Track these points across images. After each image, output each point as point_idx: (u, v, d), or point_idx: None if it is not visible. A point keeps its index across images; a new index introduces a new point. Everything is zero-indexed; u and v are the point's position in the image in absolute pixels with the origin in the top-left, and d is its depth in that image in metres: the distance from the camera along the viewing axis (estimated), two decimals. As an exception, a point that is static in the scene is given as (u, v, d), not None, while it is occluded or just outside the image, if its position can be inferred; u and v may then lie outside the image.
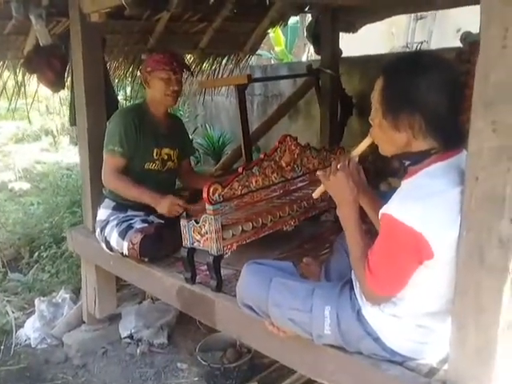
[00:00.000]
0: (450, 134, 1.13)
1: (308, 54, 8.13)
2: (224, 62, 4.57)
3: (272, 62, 8.00)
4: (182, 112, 5.90)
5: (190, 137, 5.88)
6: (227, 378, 2.29)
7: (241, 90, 3.35)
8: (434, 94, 1.11)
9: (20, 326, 3.06)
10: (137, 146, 2.21)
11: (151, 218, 2.23)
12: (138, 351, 2.69)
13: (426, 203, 1.08)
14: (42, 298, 3.07)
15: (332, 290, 1.36)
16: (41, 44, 2.87)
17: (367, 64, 4.17)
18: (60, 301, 3.13)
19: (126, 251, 2.08)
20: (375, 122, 1.21)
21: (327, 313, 1.30)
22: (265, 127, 3.97)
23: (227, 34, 4.32)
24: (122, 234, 2.10)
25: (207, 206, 1.73)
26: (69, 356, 2.75)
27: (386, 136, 1.19)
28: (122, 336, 2.80)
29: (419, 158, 1.17)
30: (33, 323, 2.97)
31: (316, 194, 1.42)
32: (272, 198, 2.05)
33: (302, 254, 2.17)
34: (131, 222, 2.16)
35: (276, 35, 8.01)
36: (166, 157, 2.33)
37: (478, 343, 1.12)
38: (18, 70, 3.40)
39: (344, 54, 4.18)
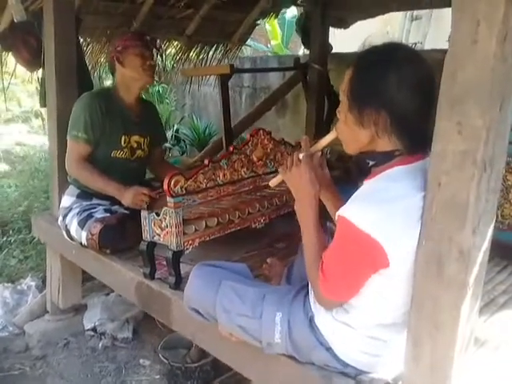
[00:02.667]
0: (417, 136, 1.04)
1: (304, 48, 8.03)
2: (212, 51, 4.47)
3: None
4: (168, 100, 5.79)
5: (176, 126, 5.83)
6: (188, 378, 2.21)
7: (224, 81, 3.26)
8: (403, 92, 1.02)
9: (-17, 311, 2.96)
10: (103, 132, 2.10)
11: (116, 207, 2.13)
12: (101, 345, 2.60)
13: (383, 208, 1.00)
14: (5, 285, 2.97)
15: (285, 295, 1.28)
16: (15, 20, 2.74)
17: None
18: (25, 288, 3.03)
19: (84, 241, 1.99)
20: (341, 115, 1.12)
21: (278, 319, 1.22)
22: (249, 120, 3.87)
23: (215, 23, 4.21)
24: (82, 224, 2.00)
25: (168, 199, 1.65)
26: (29, 346, 2.66)
27: (350, 131, 1.10)
28: (86, 328, 2.70)
29: (383, 159, 1.09)
30: (-5, 310, 2.87)
31: (273, 183, 1.33)
32: (241, 193, 1.96)
33: (272, 253, 2.09)
34: (93, 211, 2.06)
35: (272, 29, 7.89)
36: (135, 145, 2.22)
37: (433, 361, 1.05)
38: (-6, 47, 3.28)
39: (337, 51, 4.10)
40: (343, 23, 4.25)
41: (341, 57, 4.30)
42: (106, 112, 2.09)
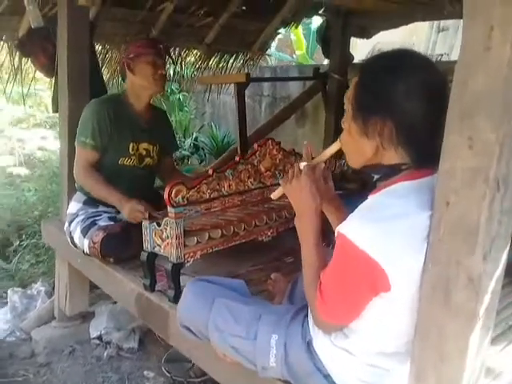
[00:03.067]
0: (425, 150, 0.96)
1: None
2: (232, 60, 4.45)
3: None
4: (187, 108, 5.78)
5: (195, 134, 5.81)
6: (190, 393, 2.15)
7: (240, 89, 3.22)
8: (411, 101, 0.95)
9: (-6, 315, 2.96)
10: (111, 139, 2.07)
11: (121, 215, 2.09)
12: (106, 354, 2.56)
13: (386, 226, 0.92)
14: (15, 289, 2.97)
15: (283, 315, 1.20)
16: (32, 26, 2.77)
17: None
18: (35, 293, 3.02)
19: (86, 249, 1.95)
20: (345, 125, 1.05)
21: (273, 342, 1.15)
22: (267, 128, 3.82)
23: (235, 32, 4.19)
24: (85, 231, 1.96)
25: (169, 209, 1.59)
26: (35, 352, 2.63)
27: (354, 143, 1.03)
28: (91, 336, 2.67)
29: (389, 173, 1.01)
30: (4, 314, 2.87)
31: (275, 195, 1.27)
32: (247, 204, 1.89)
33: (279, 267, 2.02)
34: (97, 218, 2.02)
35: (297, 39, 7.85)
36: (144, 152, 2.19)
37: (438, 396, 0.96)
38: (14, 53, 3.32)
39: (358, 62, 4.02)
40: (365, 33, 4.17)
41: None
42: (115, 118, 2.07)
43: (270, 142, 1.87)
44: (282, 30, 4.51)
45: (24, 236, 3.68)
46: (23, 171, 5.31)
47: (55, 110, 2.64)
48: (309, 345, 1.13)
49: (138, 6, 3.44)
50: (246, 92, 5.47)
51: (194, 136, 5.45)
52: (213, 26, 4.01)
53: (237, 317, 1.22)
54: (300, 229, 1.13)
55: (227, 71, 4.34)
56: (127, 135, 2.11)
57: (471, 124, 0.86)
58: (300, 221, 1.13)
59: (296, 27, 4.82)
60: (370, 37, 4.37)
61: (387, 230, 0.92)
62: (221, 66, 4.41)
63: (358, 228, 0.93)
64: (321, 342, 1.11)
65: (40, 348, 2.63)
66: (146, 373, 2.45)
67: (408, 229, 0.93)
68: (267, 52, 5.09)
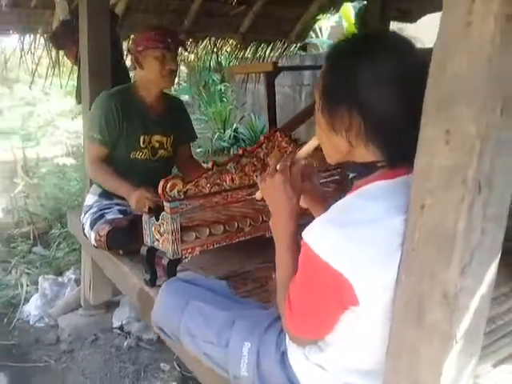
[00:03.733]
0: (399, 145, 0.84)
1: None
2: (269, 49, 4.35)
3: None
4: (225, 99, 5.74)
5: (235, 125, 5.76)
6: (199, 389, 2.10)
7: (269, 78, 3.12)
8: (380, 89, 0.82)
9: (28, 300, 3.07)
10: (120, 133, 2.04)
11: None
12: (125, 344, 2.58)
13: (353, 233, 0.81)
14: (46, 276, 3.06)
15: (260, 322, 1.11)
16: (60, 18, 2.81)
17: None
18: (66, 281, 3.09)
19: (93, 242, 1.95)
20: (316, 119, 0.94)
21: (246, 350, 1.06)
22: (300, 118, 3.69)
23: (270, 20, 4.09)
24: (92, 224, 1.96)
25: (164, 203, 1.54)
26: (60, 339, 2.70)
27: (326, 138, 0.92)
28: (114, 326, 2.70)
29: (363, 171, 0.89)
30: (36, 300, 2.96)
31: (258, 195, 1.17)
32: (253, 199, 1.80)
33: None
34: (106, 211, 2.01)
35: (349, 25, 7.59)
36: (157, 144, 2.15)
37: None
38: (49, 46, 3.41)
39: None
40: (408, 17, 3.94)
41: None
42: (124, 112, 2.03)
43: (278, 133, 1.77)
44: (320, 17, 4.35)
45: (61, 224, 3.79)
46: (70, 161, 5.50)
47: (79, 102, 2.66)
48: (283, 355, 1.04)
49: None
50: (287, 82, 5.38)
51: (233, 127, 5.41)
52: (247, 15, 3.92)
53: (209, 321, 1.14)
54: (274, 229, 1.05)
55: (265, 60, 4.25)
56: (138, 128, 2.07)
57: (449, 114, 0.73)
58: (274, 221, 1.05)
59: (336, 13, 4.64)
60: (415, 21, 4.13)
61: (354, 236, 0.81)
62: (258, 55, 4.33)
63: (321, 235, 0.82)
64: (295, 354, 1.01)
65: (65, 335, 2.70)
66: (162, 365, 2.44)
67: (379, 235, 0.81)
68: (312, 39, 4.91)
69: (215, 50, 4.14)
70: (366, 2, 3.84)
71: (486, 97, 0.69)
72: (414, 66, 0.81)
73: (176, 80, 2.16)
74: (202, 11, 3.65)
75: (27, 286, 3.27)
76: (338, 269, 0.80)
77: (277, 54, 4.39)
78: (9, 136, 6.16)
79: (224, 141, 5.33)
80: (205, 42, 3.89)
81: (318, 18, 4.34)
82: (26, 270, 3.52)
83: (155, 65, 1.97)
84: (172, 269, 1.59)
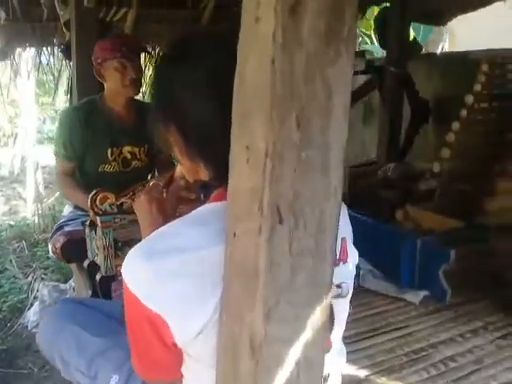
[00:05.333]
0: (224, 162, 0.72)
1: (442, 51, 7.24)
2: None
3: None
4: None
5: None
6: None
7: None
8: (191, 98, 0.72)
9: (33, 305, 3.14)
10: (85, 146, 2.00)
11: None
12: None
13: (167, 264, 0.70)
14: (46, 283, 3.12)
15: (132, 353, 1.01)
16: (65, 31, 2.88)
17: (453, 63, 3.50)
18: (68, 287, 3.14)
19: (51, 253, 1.94)
20: None
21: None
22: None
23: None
24: (52, 235, 1.95)
25: (96, 217, 1.49)
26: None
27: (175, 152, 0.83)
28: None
29: (206, 191, 0.79)
30: (35, 306, 3.02)
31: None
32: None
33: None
34: (69, 223, 1.99)
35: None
36: (129, 156, 2.10)
37: None
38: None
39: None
40: (438, 18, 3.67)
41: (433, 58, 3.75)
42: (88, 125, 1.99)
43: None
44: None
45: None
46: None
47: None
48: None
49: (179, 4, 3.43)
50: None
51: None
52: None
53: (81, 349, 1.06)
54: None
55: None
56: (104, 141, 2.03)
57: (247, 128, 0.61)
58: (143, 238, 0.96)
59: (362, 17, 4.45)
60: (444, 23, 3.87)
61: (167, 268, 0.70)
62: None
63: (132, 267, 0.72)
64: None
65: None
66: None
67: (198, 266, 0.70)
68: (366, 46, 4.68)
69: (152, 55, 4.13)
70: (388, 4, 3.63)
71: (272, 107, 0.57)
72: (230, 74, 0.69)
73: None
74: (215, 19, 3.63)
75: (37, 291, 3.36)
76: (148, 305, 0.70)
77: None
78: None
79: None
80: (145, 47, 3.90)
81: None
82: (43, 276, 3.63)
83: (116, 75, 1.92)
84: (105, 285, 1.53)
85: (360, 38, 7.39)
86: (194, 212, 0.76)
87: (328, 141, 0.60)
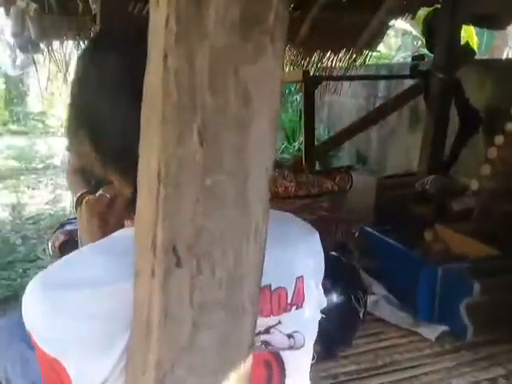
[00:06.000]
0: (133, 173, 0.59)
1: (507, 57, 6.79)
2: (336, 58, 4.07)
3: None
4: (291, 110, 5.51)
5: (302, 138, 5.49)
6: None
7: (307, 88, 2.85)
8: (96, 98, 0.61)
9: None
10: None
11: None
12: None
13: (65, 299, 0.58)
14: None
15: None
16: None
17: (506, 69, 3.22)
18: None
19: (50, 252, 1.89)
20: None
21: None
22: (348, 134, 3.35)
23: (331, 26, 3.81)
24: (54, 233, 1.90)
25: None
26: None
27: None
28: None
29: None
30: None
31: None
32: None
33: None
34: (73, 220, 1.94)
35: (469, 35, 6.85)
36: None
37: None
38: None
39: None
40: (491, 22, 3.38)
41: (486, 65, 3.46)
42: None
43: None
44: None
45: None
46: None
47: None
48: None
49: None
50: (362, 92, 5.00)
51: (300, 140, 5.17)
52: (303, 21, 3.69)
53: (26, 368, 0.96)
54: None
55: (333, 70, 3.98)
56: None
57: (147, 141, 0.48)
58: None
59: (412, 18, 4.19)
60: (503, 27, 3.56)
61: (69, 304, 0.58)
62: (324, 64, 4.06)
63: (30, 299, 0.61)
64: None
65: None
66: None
67: (105, 304, 0.58)
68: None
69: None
70: (438, 6, 3.37)
71: (165, 117, 0.43)
72: (131, 66, 0.55)
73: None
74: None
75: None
76: (40, 345, 0.59)
77: (346, 63, 4.09)
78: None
79: (289, 153, 5.11)
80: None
81: (391, 24, 3.96)
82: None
83: None
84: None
85: (419, 42, 7.06)
86: (108, 238, 0.64)
87: (245, 163, 0.45)
